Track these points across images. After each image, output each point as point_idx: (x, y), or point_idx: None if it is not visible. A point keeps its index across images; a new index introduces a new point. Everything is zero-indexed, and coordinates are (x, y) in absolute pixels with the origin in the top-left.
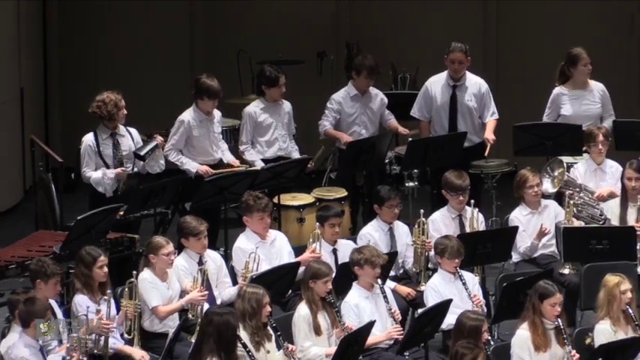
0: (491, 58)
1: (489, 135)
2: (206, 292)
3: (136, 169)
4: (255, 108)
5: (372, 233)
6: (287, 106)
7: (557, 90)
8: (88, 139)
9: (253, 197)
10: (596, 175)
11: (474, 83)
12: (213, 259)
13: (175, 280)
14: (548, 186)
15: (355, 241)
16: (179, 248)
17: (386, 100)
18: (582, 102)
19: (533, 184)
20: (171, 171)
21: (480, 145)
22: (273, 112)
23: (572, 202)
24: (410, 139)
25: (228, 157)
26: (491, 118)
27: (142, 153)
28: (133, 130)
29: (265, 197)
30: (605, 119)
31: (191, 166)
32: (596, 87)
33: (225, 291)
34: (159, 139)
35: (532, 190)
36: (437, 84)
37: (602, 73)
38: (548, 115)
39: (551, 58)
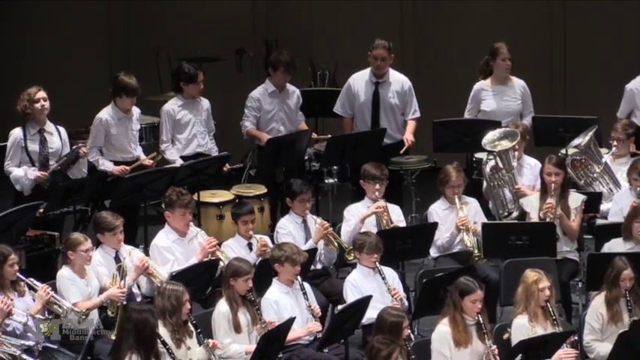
0: (410, 55)
1: (409, 136)
2: (125, 289)
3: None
4: (173, 105)
5: (287, 225)
6: (205, 103)
7: (478, 85)
8: (17, 133)
9: (177, 193)
10: (516, 171)
11: (397, 80)
12: (134, 255)
13: (94, 277)
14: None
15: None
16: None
17: (301, 98)
18: (503, 97)
19: (455, 185)
20: (92, 168)
21: (401, 142)
22: (192, 109)
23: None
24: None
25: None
26: (413, 116)
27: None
28: (62, 130)
29: (189, 194)
30: (525, 116)
31: (107, 166)
32: (518, 83)
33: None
34: (82, 151)
35: (452, 190)
36: (360, 80)
37: (524, 70)
38: (469, 110)
39: (474, 54)
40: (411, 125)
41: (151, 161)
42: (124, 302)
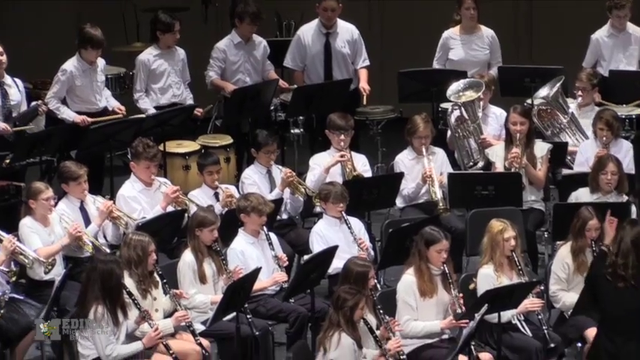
0: (377, 3)
1: (364, 85)
2: (82, 230)
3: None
4: (148, 55)
5: (252, 176)
6: (181, 52)
7: (446, 33)
8: None
9: (143, 145)
10: (482, 121)
11: (346, 30)
12: (99, 203)
13: (58, 227)
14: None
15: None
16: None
17: (268, 48)
18: (471, 47)
19: (423, 136)
20: (56, 119)
21: (355, 92)
22: (167, 58)
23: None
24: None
25: (113, 104)
26: (363, 65)
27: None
28: (19, 81)
29: (156, 147)
30: (493, 66)
31: (68, 115)
32: (486, 33)
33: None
34: (41, 109)
35: (420, 140)
36: (309, 32)
37: (489, 19)
38: (437, 59)
39: (442, 3)
40: (363, 74)
41: (122, 109)
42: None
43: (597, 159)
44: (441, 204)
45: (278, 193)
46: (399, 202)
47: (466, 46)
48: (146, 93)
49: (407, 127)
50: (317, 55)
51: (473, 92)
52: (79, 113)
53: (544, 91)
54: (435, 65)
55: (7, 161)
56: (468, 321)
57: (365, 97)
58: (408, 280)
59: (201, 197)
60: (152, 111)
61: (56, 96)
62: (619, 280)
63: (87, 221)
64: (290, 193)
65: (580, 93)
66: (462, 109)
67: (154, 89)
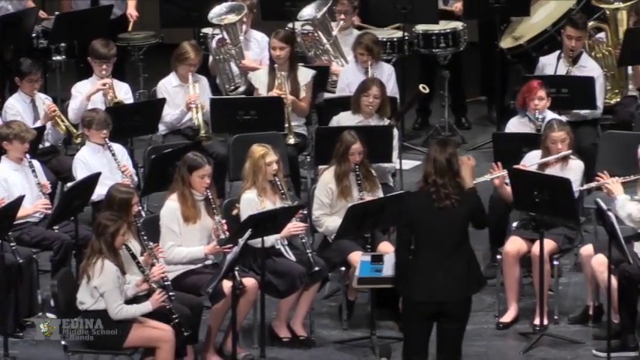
0: None
1: (133, 11)
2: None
3: None
4: None
5: (15, 105)
6: None
7: None
8: None
9: None
10: (243, 45)
11: None
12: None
13: None
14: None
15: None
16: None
17: None
18: None
19: (191, 64)
20: None
21: (122, 17)
22: None
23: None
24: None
25: None
26: None
27: None
28: None
29: None
30: None
31: None
32: None
33: None
34: None
35: (188, 68)
36: None
37: None
38: None
39: None
40: (132, 0)
41: None
42: None
43: (362, 82)
44: (203, 131)
45: (40, 124)
46: (162, 129)
47: None
48: None
49: (176, 53)
50: None
51: (234, 15)
52: None
53: (310, 11)
54: None
55: None
56: (231, 246)
57: (132, 24)
58: (171, 206)
59: None
60: None
61: None
62: (444, 199)
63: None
64: (51, 124)
65: (342, 16)
66: (224, 32)
67: None
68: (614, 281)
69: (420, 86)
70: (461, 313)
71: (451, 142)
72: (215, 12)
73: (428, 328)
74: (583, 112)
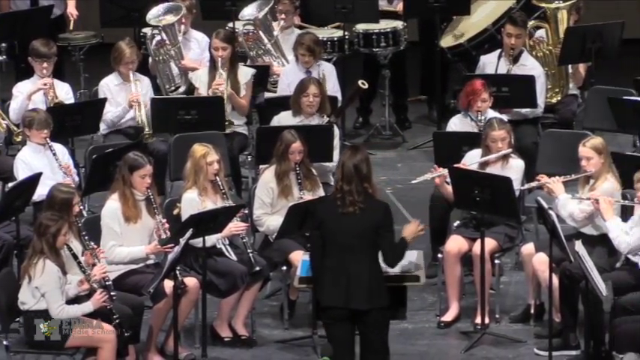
0: None
1: (73, 10)
2: None
3: None
4: None
5: None
6: None
7: None
8: None
9: None
10: (182, 45)
11: None
12: None
13: None
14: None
15: None
16: None
17: None
18: None
19: (129, 62)
20: None
21: (61, 17)
22: None
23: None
24: None
25: None
26: None
27: None
28: None
29: None
30: None
31: None
32: None
33: None
34: None
35: (127, 66)
36: None
37: None
38: None
39: None
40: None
41: None
42: None
43: (300, 82)
44: (146, 129)
45: None
46: (103, 127)
47: None
48: None
49: (113, 55)
50: None
51: (172, 16)
52: None
53: (251, 11)
54: None
55: None
56: (172, 246)
57: (72, 23)
58: (112, 206)
59: None
60: None
61: None
62: (348, 205)
63: None
64: None
65: (283, 16)
66: (163, 32)
67: None
68: (555, 280)
69: (359, 82)
70: (375, 322)
71: (362, 148)
72: (153, 13)
73: (346, 331)
74: (524, 110)
